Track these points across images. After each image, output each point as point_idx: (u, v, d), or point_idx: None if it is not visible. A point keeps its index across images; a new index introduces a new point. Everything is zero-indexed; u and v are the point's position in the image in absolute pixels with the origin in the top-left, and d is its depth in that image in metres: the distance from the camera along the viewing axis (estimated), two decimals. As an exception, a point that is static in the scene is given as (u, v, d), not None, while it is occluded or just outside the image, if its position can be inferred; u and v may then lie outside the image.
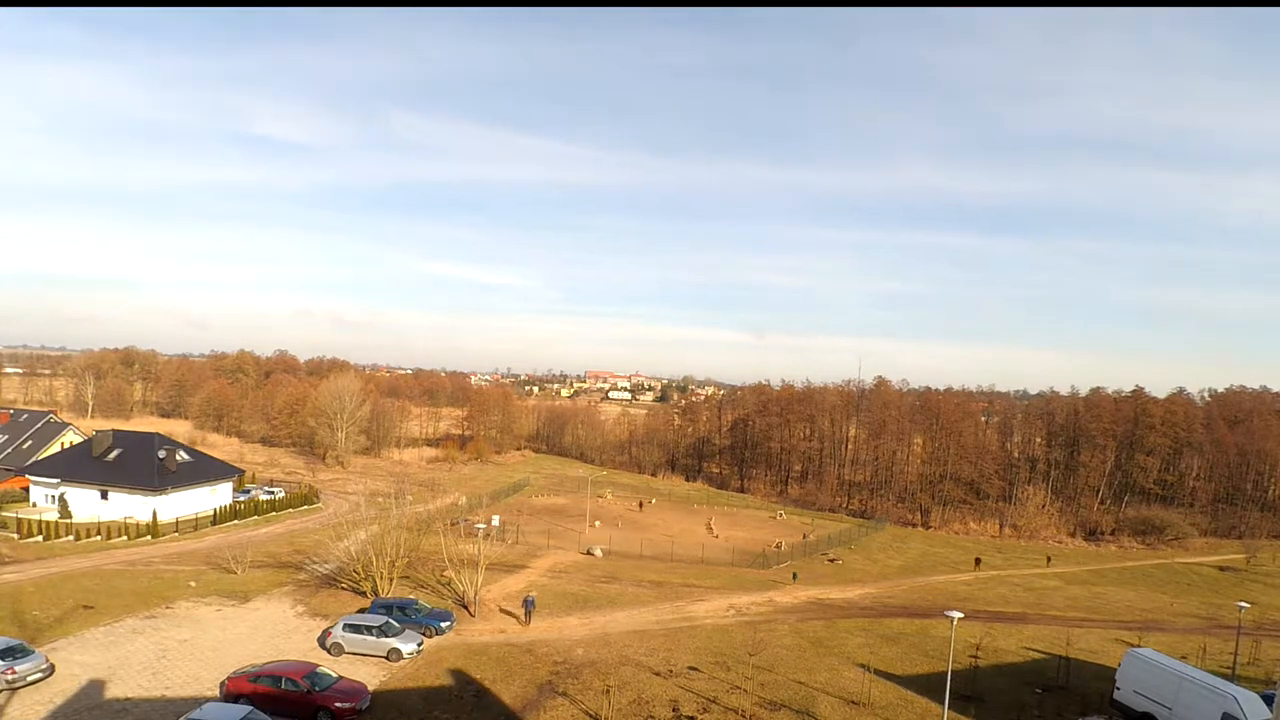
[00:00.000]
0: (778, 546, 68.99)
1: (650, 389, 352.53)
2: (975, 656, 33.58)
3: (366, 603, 38.63)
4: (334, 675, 26.87)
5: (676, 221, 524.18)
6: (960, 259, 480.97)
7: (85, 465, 63.44)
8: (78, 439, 76.37)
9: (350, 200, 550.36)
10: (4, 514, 58.42)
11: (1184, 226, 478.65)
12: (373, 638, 31.66)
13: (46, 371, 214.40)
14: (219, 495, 67.32)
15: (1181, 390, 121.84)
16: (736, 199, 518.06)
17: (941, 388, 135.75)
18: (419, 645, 32.40)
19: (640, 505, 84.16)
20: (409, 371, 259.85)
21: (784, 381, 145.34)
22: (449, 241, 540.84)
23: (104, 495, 60.98)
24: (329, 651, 31.76)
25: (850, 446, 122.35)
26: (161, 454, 64.44)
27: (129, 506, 60.14)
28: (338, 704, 24.97)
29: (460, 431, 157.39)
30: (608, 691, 27.44)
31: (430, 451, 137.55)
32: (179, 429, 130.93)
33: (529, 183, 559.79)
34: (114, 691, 26.52)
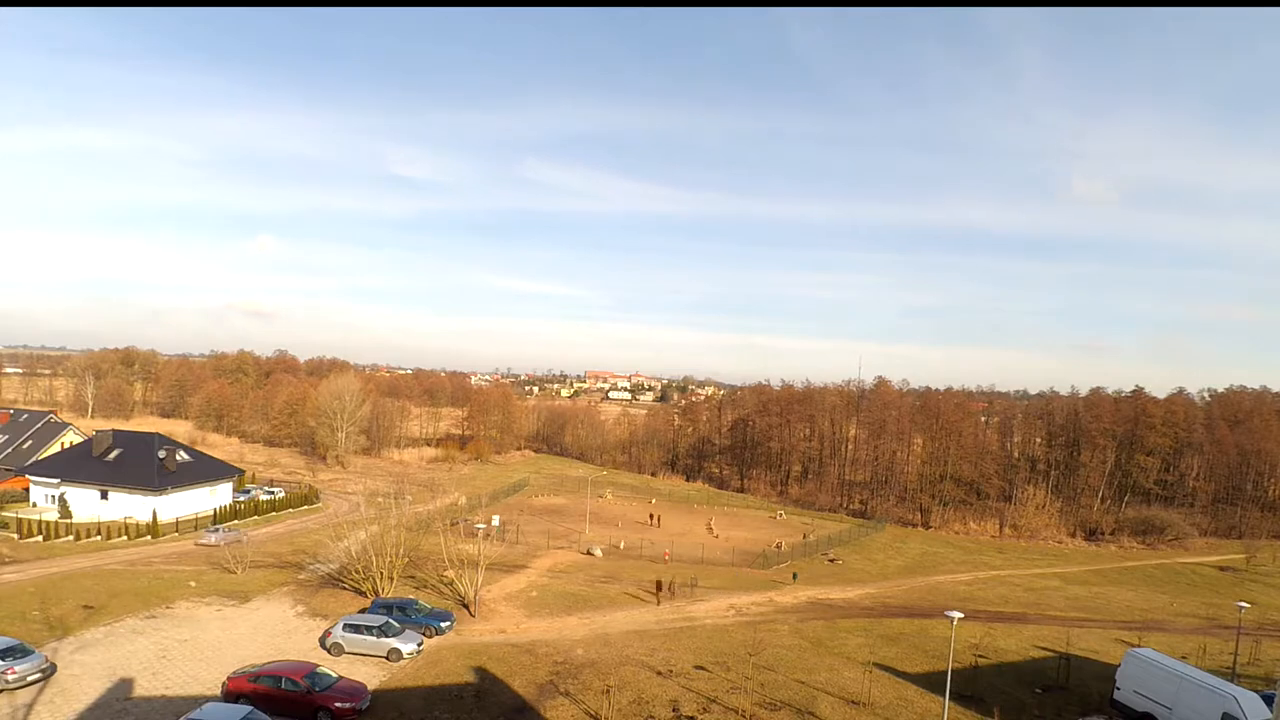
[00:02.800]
0: (778, 546, 68.98)
1: (650, 389, 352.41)
2: (981, 656, 33.59)
3: (367, 603, 38.64)
4: (334, 675, 26.87)
5: (722, 243, 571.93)
6: (968, 273, 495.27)
7: (85, 465, 63.46)
8: (78, 439, 76.41)
9: (443, 224, 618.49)
10: (4, 514, 58.44)
11: (1186, 242, 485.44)
12: (373, 638, 31.65)
13: (46, 371, 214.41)
14: (219, 495, 67.35)
15: (1181, 390, 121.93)
16: (784, 226, 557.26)
17: (941, 388, 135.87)
18: (419, 645, 32.39)
19: (653, 518, 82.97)
20: (409, 371, 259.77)
21: (784, 382, 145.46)
22: (522, 260, 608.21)
23: (104, 495, 61.00)
24: (329, 651, 31.76)
25: (850, 446, 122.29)
26: (161, 454, 64.46)
27: (129, 506, 60.16)
28: (338, 704, 24.97)
29: (460, 431, 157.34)
30: (608, 691, 27.44)
31: (430, 451, 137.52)
32: (179, 429, 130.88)
33: (603, 212, 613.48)
34: (114, 691, 26.52)
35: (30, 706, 24.96)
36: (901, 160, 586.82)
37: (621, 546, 64.28)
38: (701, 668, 31.96)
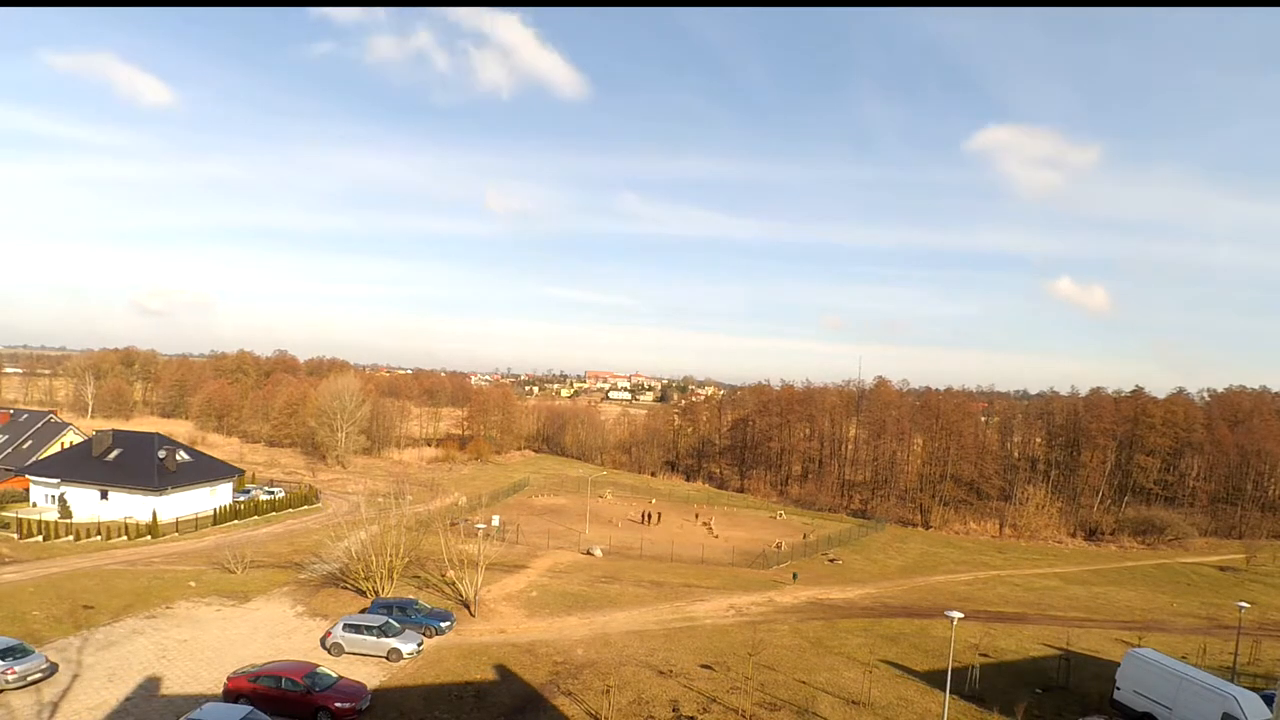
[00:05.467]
0: (778, 546, 69.00)
1: (650, 389, 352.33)
2: (985, 655, 33.56)
3: (367, 603, 38.65)
4: (334, 675, 26.87)
5: (761, 259, 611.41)
6: (976, 285, 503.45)
7: (85, 465, 63.45)
8: (78, 439, 76.38)
9: (513, 243, 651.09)
10: (4, 514, 58.42)
11: (1187, 248, 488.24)
12: (373, 638, 31.66)
13: (46, 371, 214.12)
14: (219, 495, 67.34)
15: (1181, 390, 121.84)
16: (816, 246, 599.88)
17: (941, 388, 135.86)
18: (419, 645, 32.40)
19: (645, 518, 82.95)
20: (409, 371, 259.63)
21: (784, 382, 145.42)
22: (572, 272, 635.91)
23: (104, 495, 61.00)
24: (329, 651, 31.76)
25: (850, 446, 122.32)
26: (161, 454, 64.45)
27: (129, 506, 60.16)
28: (338, 704, 24.98)
29: (460, 432, 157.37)
30: (608, 691, 27.45)
31: (430, 451, 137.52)
32: (179, 429, 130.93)
33: (661, 233, 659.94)
34: (114, 691, 26.52)
35: (30, 707, 24.97)
36: (933, 198, 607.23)
37: (637, 548, 64.32)
38: (704, 667, 31.98)
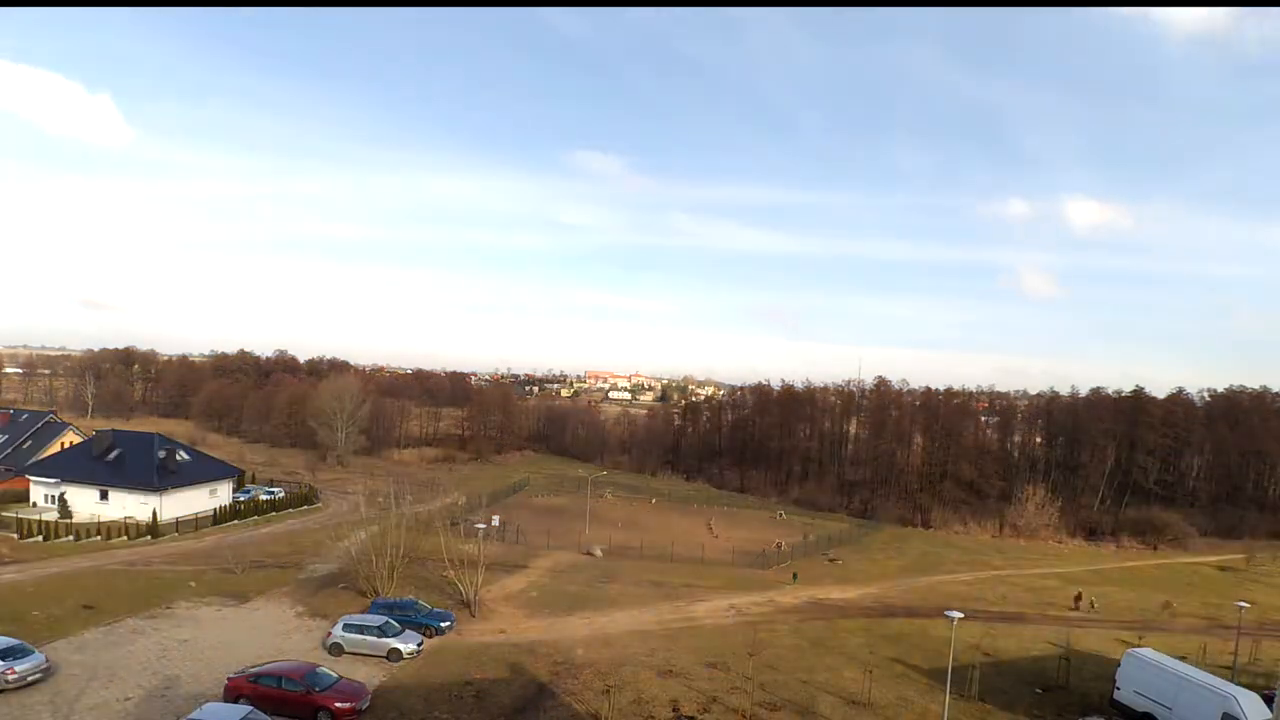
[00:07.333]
0: (778, 546, 68.99)
1: (650, 389, 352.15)
2: (985, 655, 33.58)
3: (367, 603, 38.60)
4: (334, 675, 26.86)
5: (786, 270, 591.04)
6: (974, 288, 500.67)
7: (85, 465, 63.49)
8: (78, 439, 76.43)
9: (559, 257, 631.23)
10: (4, 514, 58.46)
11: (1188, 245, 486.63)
12: (373, 638, 31.65)
13: (46, 371, 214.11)
14: (219, 495, 67.38)
15: (1181, 390, 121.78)
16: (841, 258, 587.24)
17: (941, 388, 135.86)
18: (419, 645, 32.39)
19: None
20: (409, 371, 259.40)
21: (784, 382, 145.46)
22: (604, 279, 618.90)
23: (104, 495, 61.04)
24: (329, 651, 31.75)
25: (850, 446, 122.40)
26: (161, 454, 64.49)
27: (129, 506, 60.19)
28: (338, 704, 24.97)
29: (460, 432, 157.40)
30: (608, 691, 27.45)
31: (430, 451, 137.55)
32: (179, 429, 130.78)
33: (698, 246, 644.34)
34: (114, 691, 26.51)
35: (30, 707, 24.95)
36: (937, 215, 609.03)
37: (637, 548, 64.30)
38: (705, 667, 31.98)
